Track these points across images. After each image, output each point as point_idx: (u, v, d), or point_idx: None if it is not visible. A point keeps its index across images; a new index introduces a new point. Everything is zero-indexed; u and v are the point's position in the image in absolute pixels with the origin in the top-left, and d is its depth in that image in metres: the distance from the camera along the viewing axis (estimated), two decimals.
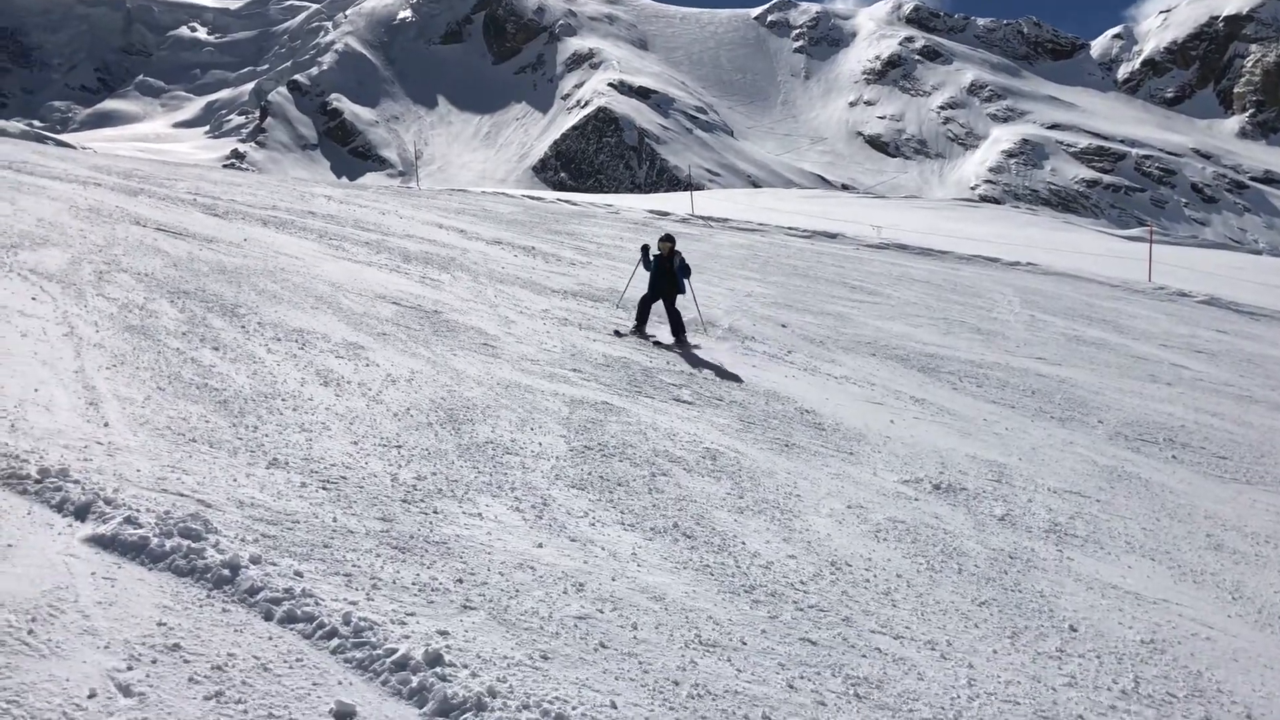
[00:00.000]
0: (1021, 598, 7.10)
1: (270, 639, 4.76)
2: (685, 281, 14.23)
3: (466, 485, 7.38)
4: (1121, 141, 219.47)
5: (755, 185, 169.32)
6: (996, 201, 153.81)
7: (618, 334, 13.90)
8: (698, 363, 12.74)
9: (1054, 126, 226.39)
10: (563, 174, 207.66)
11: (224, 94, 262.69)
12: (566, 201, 40.18)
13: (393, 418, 8.61)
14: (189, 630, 4.68)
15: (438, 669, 4.72)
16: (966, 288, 23.19)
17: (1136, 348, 17.69)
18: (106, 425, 7.07)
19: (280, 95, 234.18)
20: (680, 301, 14.44)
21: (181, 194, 19.93)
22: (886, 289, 21.66)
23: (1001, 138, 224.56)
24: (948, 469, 9.87)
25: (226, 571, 5.22)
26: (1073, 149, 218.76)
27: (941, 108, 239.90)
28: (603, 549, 6.68)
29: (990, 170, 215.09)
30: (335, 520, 6.27)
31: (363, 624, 4.96)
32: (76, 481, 5.95)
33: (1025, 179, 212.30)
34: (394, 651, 4.77)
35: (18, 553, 5.06)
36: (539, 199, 40.91)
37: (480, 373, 10.53)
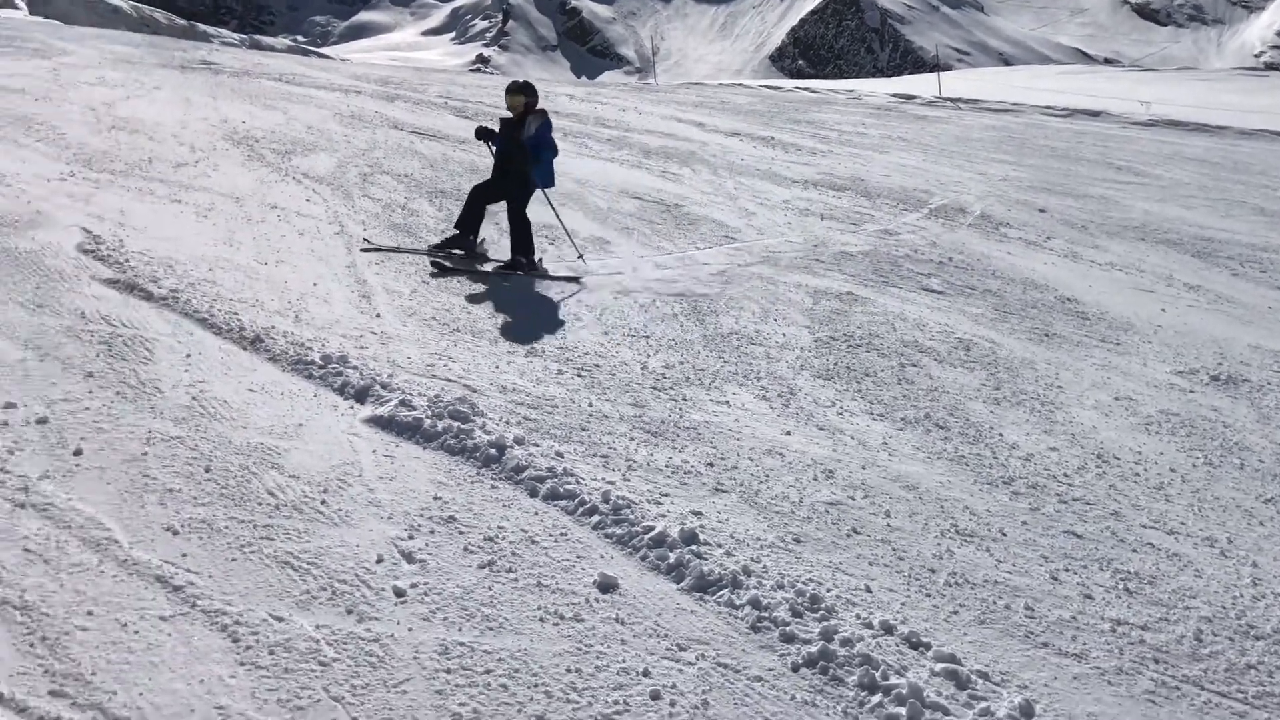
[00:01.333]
0: None
1: (536, 514, 5.00)
2: (543, 167, 9.19)
3: (713, 374, 7.44)
4: None
5: (1007, 64, 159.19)
6: None
7: (368, 245, 9.19)
8: (942, 250, 12.21)
9: None
10: (800, 62, 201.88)
11: None
12: (805, 89, 39.28)
13: (639, 309, 8.76)
14: (462, 504, 4.98)
15: (693, 547, 4.83)
16: (1248, 165, 21.16)
17: None
18: (378, 316, 7.53)
19: None
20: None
21: (433, 98, 20.71)
22: (1156, 169, 20.05)
23: None
24: (1227, 359, 9.13)
25: (494, 451, 5.49)
26: None
27: None
28: (851, 438, 6.61)
29: (1279, 34, 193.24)
30: (591, 405, 6.47)
31: (621, 502, 5.12)
32: (355, 367, 6.38)
33: None
34: (651, 529, 4.91)
35: (308, 431, 5.51)
36: (776, 88, 40.13)
37: (722, 264, 10.52)
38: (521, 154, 9.10)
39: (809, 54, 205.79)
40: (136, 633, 3.75)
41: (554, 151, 9.19)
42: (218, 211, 9.46)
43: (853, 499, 5.70)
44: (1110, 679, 4.28)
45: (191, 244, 8.38)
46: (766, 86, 41.36)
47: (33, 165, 9.75)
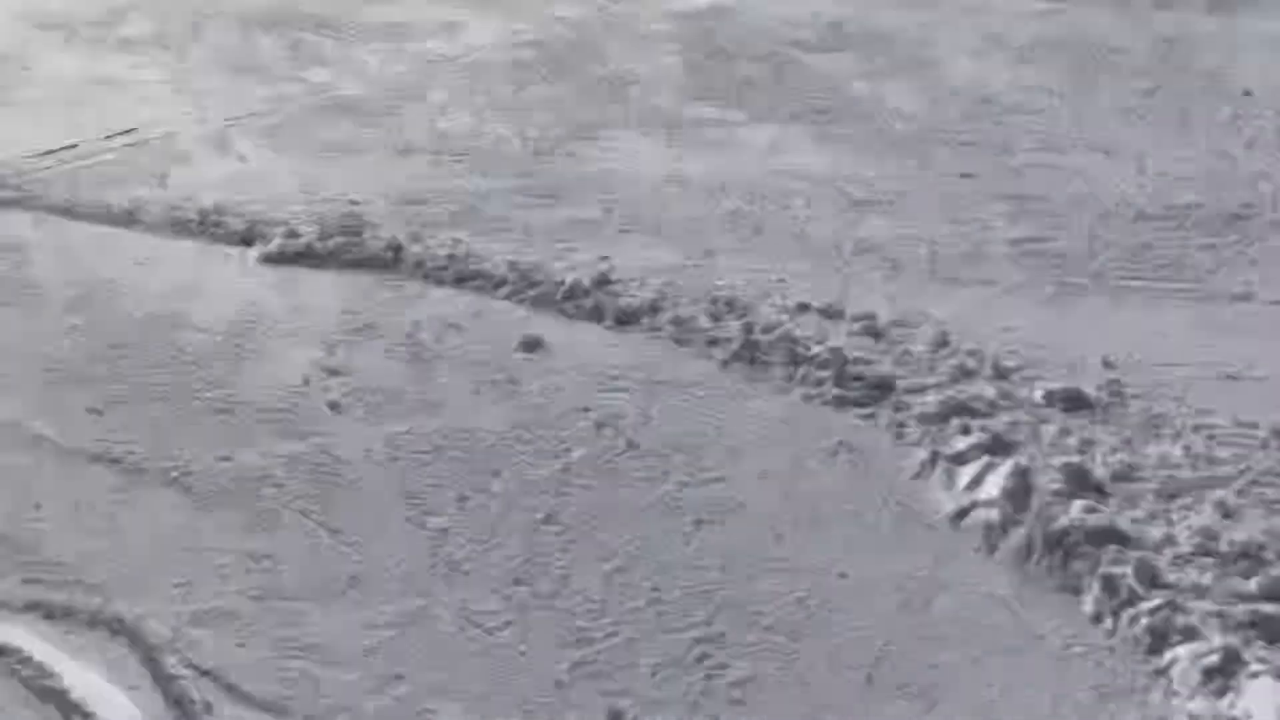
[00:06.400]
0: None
1: (448, 300, 5.04)
2: None
3: (592, 125, 7.33)
4: None
5: None
6: None
7: None
8: None
9: None
10: None
11: None
12: None
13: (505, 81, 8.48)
14: (374, 310, 5.00)
15: (607, 287, 4.91)
16: None
17: None
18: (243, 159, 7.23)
19: None
20: None
21: None
22: None
23: None
24: None
25: (390, 254, 5.47)
26: None
27: None
28: (741, 146, 6.62)
29: None
30: (476, 186, 6.41)
31: (528, 266, 5.17)
32: (235, 214, 6.21)
33: None
34: (563, 283, 4.98)
35: (205, 285, 5.44)
36: None
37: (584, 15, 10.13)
38: None
39: None
40: (92, 510, 3.80)
41: None
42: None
43: (752, 203, 5.77)
44: (1014, 294, 4.50)
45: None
46: None
47: None
